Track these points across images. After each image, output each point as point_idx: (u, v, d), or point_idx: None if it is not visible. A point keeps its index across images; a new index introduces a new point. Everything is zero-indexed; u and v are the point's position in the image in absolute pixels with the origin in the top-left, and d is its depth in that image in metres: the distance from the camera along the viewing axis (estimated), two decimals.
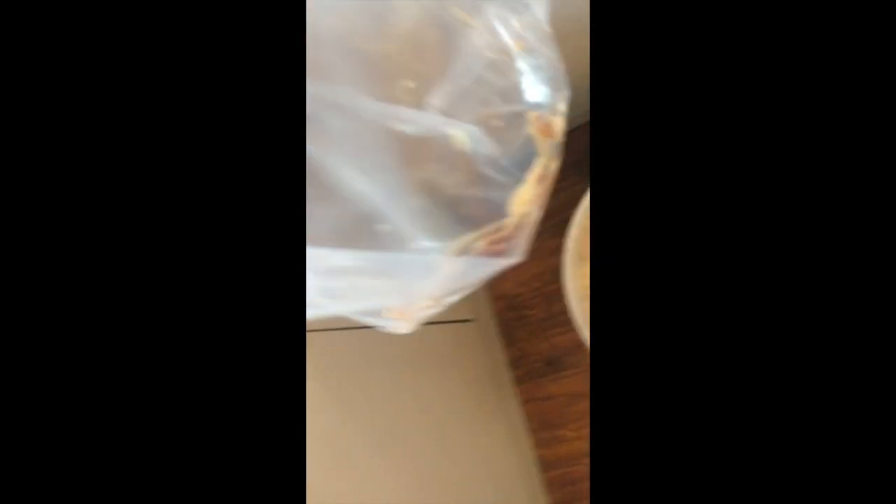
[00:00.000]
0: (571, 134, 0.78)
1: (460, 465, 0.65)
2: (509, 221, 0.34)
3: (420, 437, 0.60)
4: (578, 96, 0.70)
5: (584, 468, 0.73)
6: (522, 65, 0.32)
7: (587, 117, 0.80)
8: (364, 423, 0.54)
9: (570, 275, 0.60)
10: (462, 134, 0.30)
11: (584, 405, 0.73)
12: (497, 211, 0.33)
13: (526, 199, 0.34)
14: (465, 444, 0.67)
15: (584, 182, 0.79)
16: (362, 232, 0.28)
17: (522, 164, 0.33)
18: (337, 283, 0.30)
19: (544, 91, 0.33)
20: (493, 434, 0.73)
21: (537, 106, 0.33)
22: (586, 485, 0.72)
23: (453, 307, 0.76)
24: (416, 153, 0.29)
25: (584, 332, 0.60)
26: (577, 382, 0.74)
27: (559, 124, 0.35)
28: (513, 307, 0.79)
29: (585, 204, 0.60)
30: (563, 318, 0.75)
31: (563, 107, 0.35)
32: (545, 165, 0.35)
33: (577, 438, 0.73)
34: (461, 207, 0.32)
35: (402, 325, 0.35)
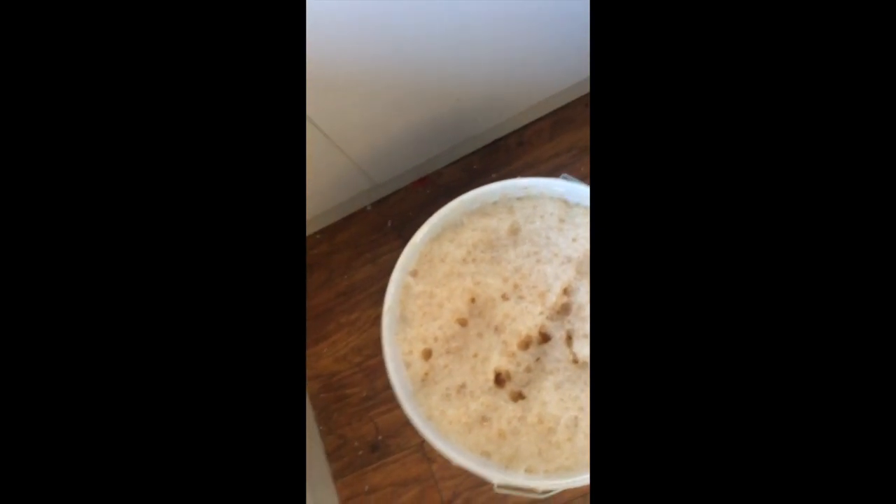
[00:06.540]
0: (396, 195, 0.73)
1: None
2: None
3: None
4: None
5: None
6: None
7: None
8: None
9: (388, 339, 0.51)
10: None
11: (413, 492, 0.65)
12: None
13: None
14: None
15: (403, 245, 0.75)
16: None
17: None
18: None
19: None
20: None
21: None
22: None
23: None
24: None
25: (405, 406, 0.51)
26: (405, 467, 0.66)
27: None
28: (330, 387, 0.70)
29: (403, 261, 0.53)
30: (388, 394, 0.68)
31: None
32: None
33: None
34: None
35: None
